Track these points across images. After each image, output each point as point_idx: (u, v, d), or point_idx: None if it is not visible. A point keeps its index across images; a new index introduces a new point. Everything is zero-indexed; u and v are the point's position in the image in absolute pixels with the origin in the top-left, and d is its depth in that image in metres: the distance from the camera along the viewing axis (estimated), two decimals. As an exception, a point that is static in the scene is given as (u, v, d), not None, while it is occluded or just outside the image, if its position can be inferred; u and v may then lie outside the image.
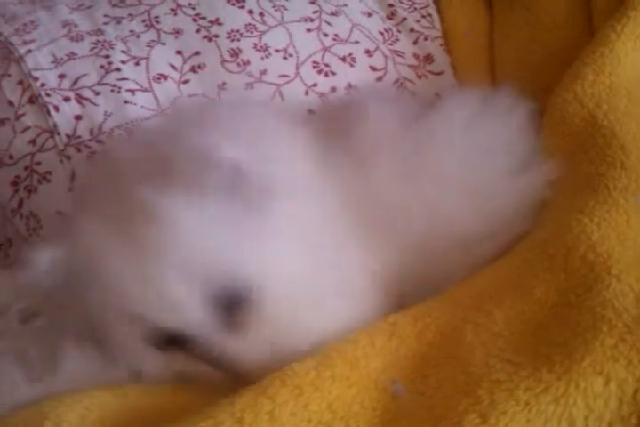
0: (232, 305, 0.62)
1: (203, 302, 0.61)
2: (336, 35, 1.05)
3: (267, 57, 1.01)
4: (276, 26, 1.04)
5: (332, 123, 0.77)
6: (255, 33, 1.03)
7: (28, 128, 0.92)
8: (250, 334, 0.63)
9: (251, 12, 1.04)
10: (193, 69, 0.99)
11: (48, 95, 0.93)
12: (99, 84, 0.95)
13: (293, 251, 0.66)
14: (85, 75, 0.95)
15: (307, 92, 0.99)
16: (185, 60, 0.99)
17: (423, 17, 1.13)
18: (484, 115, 0.82)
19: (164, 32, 1.02)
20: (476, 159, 0.78)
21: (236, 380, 0.62)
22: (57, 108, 0.92)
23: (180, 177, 0.62)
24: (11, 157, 0.92)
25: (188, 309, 0.61)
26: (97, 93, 0.94)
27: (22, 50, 0.98)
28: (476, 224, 0.75)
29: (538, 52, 1.02)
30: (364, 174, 0.73)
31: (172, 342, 0.63)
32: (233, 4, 1.05)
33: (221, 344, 0.62)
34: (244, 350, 0.63)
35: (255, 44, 1.01)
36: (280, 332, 0.64)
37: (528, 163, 0.79)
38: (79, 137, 0.91)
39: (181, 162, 0.63)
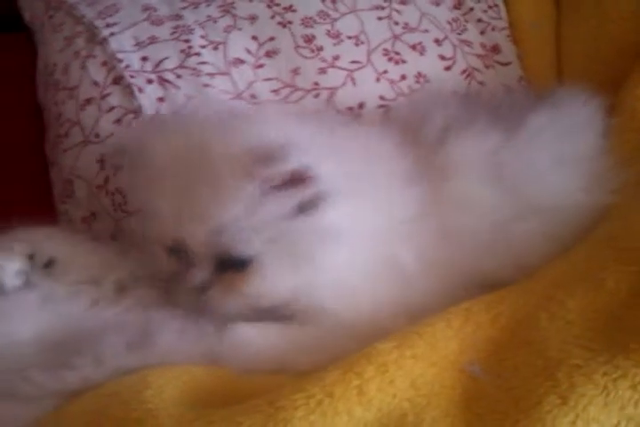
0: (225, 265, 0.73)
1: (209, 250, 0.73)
2: (406, 23, 1.08)
3: (339, 43, 1.04)
4: (347, 13, 1.07)
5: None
6: (328, 20, 1.05)
7: (113, 108, 0.96)
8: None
9: (323, -1, 1.07)
10: (268, 54, 1.02)
11: (132, 77, 0.97)
12: (180, 67, 0.99)
13: None
14: (167, 58, 0.99)
15: (378, 79, 1.02)
16: (260, 46, 1.03)
17: (490, 7, 1.14)
18: (565, 133, 0.85)
19: (240, 18, 1.05)
20: (556, 180, 0.81)
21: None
22: (141, 90, 0.96)
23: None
24: (97, 135, 0.96)
25: (195, 243, 0.72)
26: (178, 76, 0.98)
27: (106, 32, 1.02)
28: (544, 243, 0.79)
29: (606, 46, 1.03)
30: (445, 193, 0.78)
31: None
32: (306, -9, 1.07)
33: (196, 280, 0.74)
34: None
35: (328, 31, 1.04)
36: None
37: (602, 177, 0.82)
38: (163, 119, 0.95)
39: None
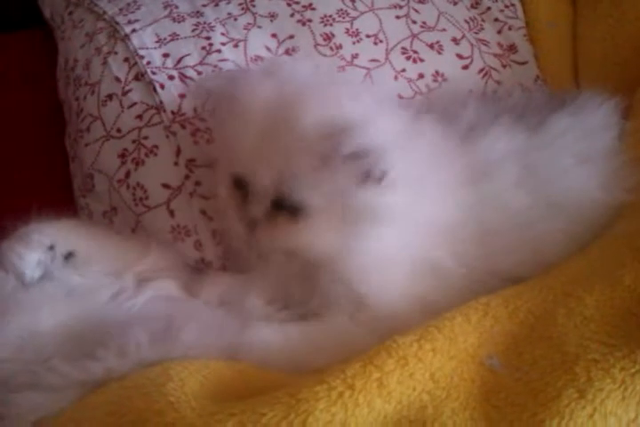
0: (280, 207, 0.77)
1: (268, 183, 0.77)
2: (424, 22, 1.08)
3: (358, 42, 1.05)
4: (366, 12, 1.07)
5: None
6: (347, 18, 1.06)
7: (134, 104, 0.97)
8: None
9: (342, -3, 1.08)
10: (287, 52, 1.03)
11: (154, 73, 0.98)
12: (200, 64, 0.99)
13: None
14: (188, 55, 1.00)
15: (396, 78, 1.03)
16: (280, 43, 1.04)
17: (507, 7, 1.15)
18: (585, 133, 0.86)
19: (260, 15, 1.06)
20: (577, 179, 0.83)
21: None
22: (162, 86, 0.97)
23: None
24: (119, 130, 0.97)
25: (261, 182, 0.77)
26: (199, 73, 0.99)
27: (127, 29, 1.04)
28: (562, 240, 0.81)
29: (623, 45, 1.04)
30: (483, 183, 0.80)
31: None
32: (325, -10, 1.08)
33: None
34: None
35: (347, 29, 1.05)
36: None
37: (618, 175, 0.83)
38: (184, 114, 0.95)
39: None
